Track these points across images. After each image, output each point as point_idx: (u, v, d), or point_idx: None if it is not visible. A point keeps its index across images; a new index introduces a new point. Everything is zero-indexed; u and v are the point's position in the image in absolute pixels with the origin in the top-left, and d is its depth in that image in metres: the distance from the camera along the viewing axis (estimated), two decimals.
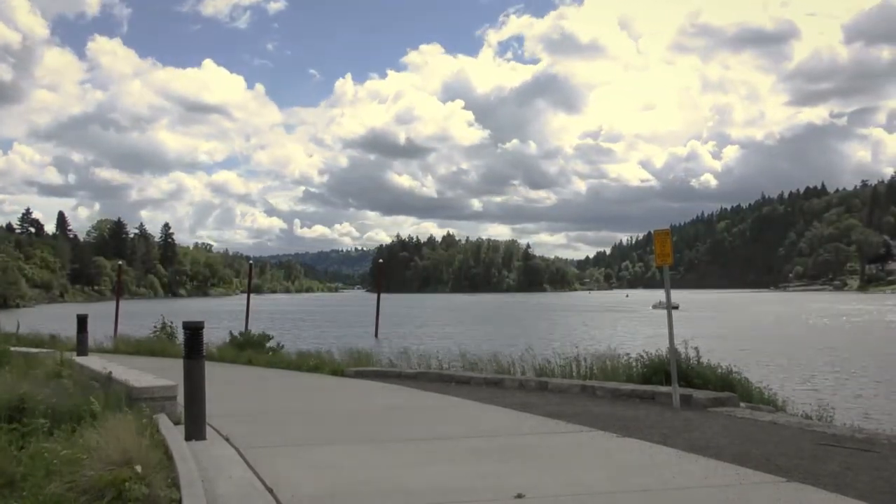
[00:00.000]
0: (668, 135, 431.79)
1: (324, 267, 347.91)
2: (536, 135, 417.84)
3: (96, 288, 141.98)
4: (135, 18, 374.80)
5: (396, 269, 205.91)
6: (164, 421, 6.95)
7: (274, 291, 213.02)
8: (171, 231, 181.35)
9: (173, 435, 6.25)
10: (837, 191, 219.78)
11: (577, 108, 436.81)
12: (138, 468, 4.63)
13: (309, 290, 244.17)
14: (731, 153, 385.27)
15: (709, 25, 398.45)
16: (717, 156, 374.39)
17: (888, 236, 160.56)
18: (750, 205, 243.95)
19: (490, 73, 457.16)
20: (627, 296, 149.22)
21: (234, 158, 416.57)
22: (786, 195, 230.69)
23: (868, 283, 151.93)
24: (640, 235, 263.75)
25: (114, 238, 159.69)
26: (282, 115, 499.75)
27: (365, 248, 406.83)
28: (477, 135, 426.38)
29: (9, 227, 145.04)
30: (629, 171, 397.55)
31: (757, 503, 4.63)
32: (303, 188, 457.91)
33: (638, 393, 9.18)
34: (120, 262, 54.80)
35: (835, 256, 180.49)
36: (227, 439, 6.81)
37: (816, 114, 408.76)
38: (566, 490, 4.96)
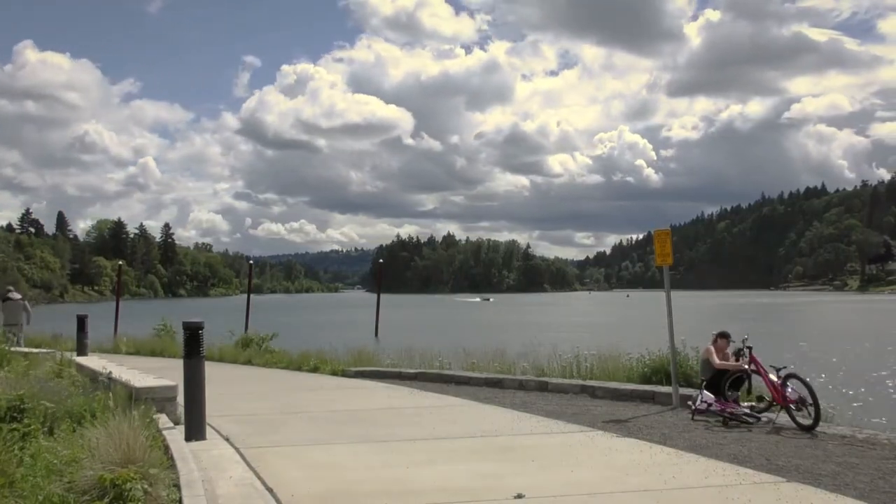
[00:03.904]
0: (586, 129, 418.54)
1: (322, 267, 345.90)
2: (459, 129, 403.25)
3: (96, 288, 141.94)
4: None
5: (396, 270, 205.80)
6: (164, 421, 6.96)
7: (274, 291, 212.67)
8: (171, 231, 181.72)
9: (174, 435, 6.26)
10: (837, 191, 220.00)
11: (486, 104, 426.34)
12: (139, 468, 4.64)
13: (309, 290, 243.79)
14: (660, 149, 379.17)
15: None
16: (647, 151, 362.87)
17: (888, 236, 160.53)
18: (750, 205, 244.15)
19: (405, 62, 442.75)
20: (628, 296, 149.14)
21: (156, 158, 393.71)
22: (785, 195, 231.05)
23: (868, 284, 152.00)
24: (641, 235, 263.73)
25: (114, 238, 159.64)
26: (191, 111, 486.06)
27: (324, 249, 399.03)
28: (402, 128, 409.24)
29: (9, 227, 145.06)
30: (563, 167, 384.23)
31: (757, 503, 4.64)
32: (233, 185, 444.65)
33: (638, 393, 9.19)
34: (120, 263, 54.60)
35: (835, 256, 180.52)
36: (227, 439, 6.81)
37: (717, 106, 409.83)
38: (566, 490, 4.96)
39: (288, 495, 4.83)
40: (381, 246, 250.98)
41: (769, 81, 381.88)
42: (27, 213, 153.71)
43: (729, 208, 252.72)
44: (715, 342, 8.55)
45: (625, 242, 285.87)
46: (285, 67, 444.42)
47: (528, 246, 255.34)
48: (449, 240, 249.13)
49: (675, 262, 10.06)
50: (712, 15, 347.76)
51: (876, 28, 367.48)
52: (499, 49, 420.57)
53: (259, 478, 5.29)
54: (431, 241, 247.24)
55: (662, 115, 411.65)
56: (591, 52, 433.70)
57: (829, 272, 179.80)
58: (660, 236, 9.23)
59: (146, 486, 4.50)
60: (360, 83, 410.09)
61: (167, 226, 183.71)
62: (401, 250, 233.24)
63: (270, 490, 4.94)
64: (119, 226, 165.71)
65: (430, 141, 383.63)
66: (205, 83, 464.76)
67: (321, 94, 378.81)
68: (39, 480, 4.70)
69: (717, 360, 8.31)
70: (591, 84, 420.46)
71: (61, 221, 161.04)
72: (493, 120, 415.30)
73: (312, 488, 5.07)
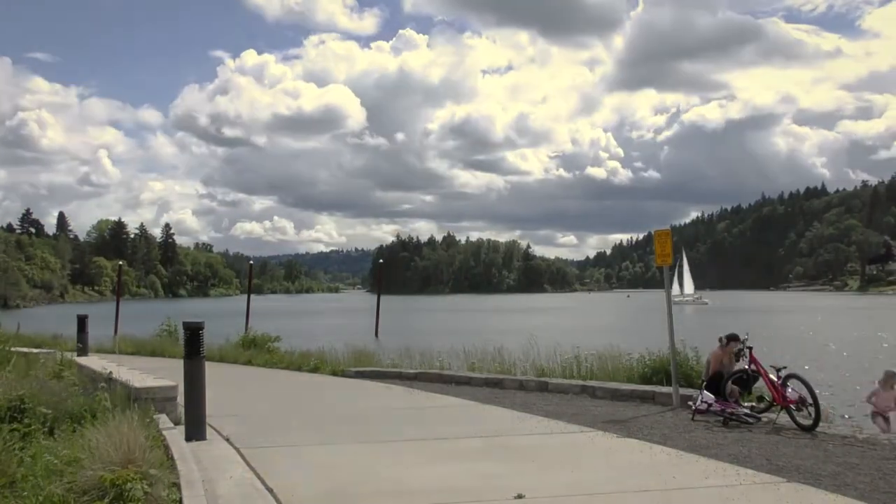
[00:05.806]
0: (546, 125, 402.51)
1: (322, 267, 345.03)
2: (411, 127, 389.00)
3: (97, 288, 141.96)
4: None
5: (396, 270, 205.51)
6: (164, 421, 6.96)
7: (274, 292, 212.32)
8: (171, 231, 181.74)
9: (174, 435, 6.26)
10: (838, 191, 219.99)
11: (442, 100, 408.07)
12: (139, 468, 4.64)
13: (309, 290, 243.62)
14: (624, 146, 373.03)
15: None
16: (609, 148, 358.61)
17: (888, 236, 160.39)
18: (750, 205, 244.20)
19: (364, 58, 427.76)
20: (629, 296, 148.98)
21: (114, 157, 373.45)
22: (785, 195, 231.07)
23: (868, 284, 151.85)
24: (641, 236, 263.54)
25: (114, 238, 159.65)
26: (141, 108, 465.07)
27: (302, 249, 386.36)
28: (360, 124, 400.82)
29: (9, 227, 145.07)
30: (527, 164, 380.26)
31: (757, 503, 4.64)
32: (194, 184, 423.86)
33: (638, 393, 9.18)
34: (120, 263, 54.77)
35: (835, 257, 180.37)
36: (227, 439, 6.81)
37: (674, 100, 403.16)
38: (566, 490, 4.96)
39: (288, 495, 4.83)
40: (382, 246, 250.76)
41: (722, 74, 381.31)
42: (27, 213, 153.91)
43: (729, 208, 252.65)
44: (727, 346, 8.52)
45: (623, 243, 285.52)
46: (229, 62, 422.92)
47: (529, 246, 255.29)
48: (449, 240, 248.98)
49: (674, 263, 10.05)
50: (653, 5, 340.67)
51: (855, 23, 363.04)
52: (435, 41, 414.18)
53: (259, 478, 5.29)
54: (431, 241, 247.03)
55: (610, 110, 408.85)
56: (527, 43, 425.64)
57: (829, 272, 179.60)
58: (660, 236, 9.22)
59: (146, 487, 4.50)
60: (311, 79, 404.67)
61: (167, 226, 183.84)
62: (401, 250, 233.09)
63: (271, 490, 4.94)
64: (119, 226, 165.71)
65: (380, 139, 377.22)
66: (162, 79, 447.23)
67: (278, 91, 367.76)
68: (40, 481, 4.70)
69: (732, 365, 8.31)
70: (533, 77, 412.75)
71: (62, 221, 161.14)
72: (444, 115, 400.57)
73: (312, 488, 5.07)
